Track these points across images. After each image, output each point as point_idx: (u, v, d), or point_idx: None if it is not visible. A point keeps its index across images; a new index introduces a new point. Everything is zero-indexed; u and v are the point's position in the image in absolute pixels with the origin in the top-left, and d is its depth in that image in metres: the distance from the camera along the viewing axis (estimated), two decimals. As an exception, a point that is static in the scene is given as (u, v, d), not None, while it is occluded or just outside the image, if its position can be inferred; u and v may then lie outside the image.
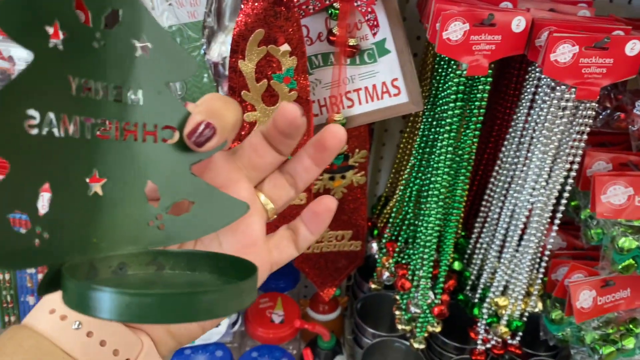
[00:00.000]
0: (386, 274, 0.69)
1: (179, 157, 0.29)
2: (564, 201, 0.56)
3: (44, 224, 0.23)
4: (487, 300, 0.64)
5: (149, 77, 0.27)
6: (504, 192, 0.63)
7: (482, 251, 0.67)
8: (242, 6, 0.48)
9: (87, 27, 0.24)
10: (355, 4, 0.52)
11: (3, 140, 0.21)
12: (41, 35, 0.23)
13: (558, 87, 0.51)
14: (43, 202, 0.23)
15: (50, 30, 0.23)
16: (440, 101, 0.56)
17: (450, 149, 0.57)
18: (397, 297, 0.70)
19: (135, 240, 0.28)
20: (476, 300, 0.67)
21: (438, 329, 0.67)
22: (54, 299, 0.30)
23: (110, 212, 0.27)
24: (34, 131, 0.22)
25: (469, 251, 0.70)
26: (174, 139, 0.28)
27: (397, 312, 0.69)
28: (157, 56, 0.27)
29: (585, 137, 0.53)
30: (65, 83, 0.24)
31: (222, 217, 0.30)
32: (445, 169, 0.58)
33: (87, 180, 0.25)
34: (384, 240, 0.71)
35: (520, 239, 0.61)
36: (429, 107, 0.60)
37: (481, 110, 0.55)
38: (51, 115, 0.23)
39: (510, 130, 0.61)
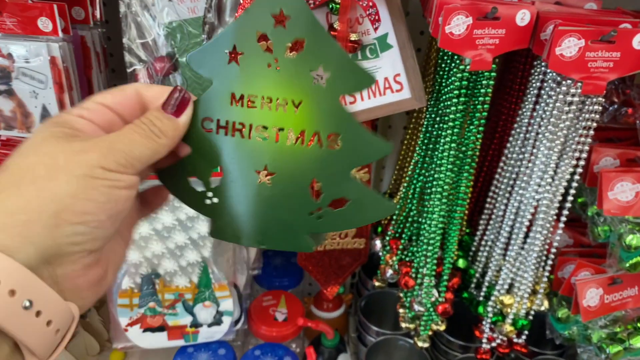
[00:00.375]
0: (390, 272, 0.69)
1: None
2: (570, 198, 0.56)
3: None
4: (492, 298, 0.64)
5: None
6: (509, 188, 0.62)
7: (487, 248, 0.66)
8: (241, 1, 0.47)
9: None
10: (357, -2, 0.51)
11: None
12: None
13: (564, 82, 0.50)
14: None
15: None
16: (444, 97, 0.55)
17: (454, 145, 0.56)
18: (401, 294, 0.69)
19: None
20: (481, 299, 0.67)
21: (442, 327, 0.66)
22: None
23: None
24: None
25: (473, 248, 0.69)
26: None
27: (401, 310, 0.69)
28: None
29: (591, 132, 0.52)
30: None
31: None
32: (449, 166, 0.57)
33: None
34: (387, 238, 0.70)
35: (526, 236, 0.60)
36: (432, 102, 0.59)
37: (485, 106, 0.55)
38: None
39: (515, 125, 0.60)
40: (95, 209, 0.28)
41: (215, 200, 0.35)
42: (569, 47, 0.46)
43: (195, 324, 0.74)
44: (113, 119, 0.32)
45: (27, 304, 0.25)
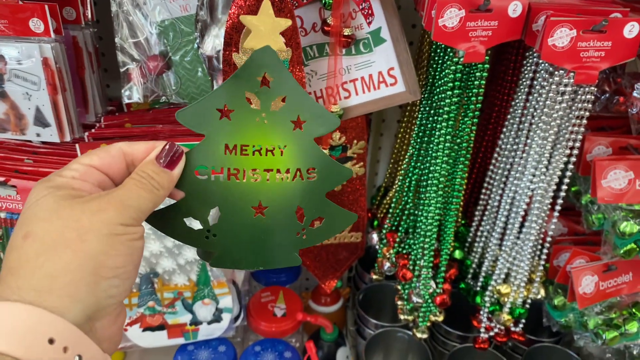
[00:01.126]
0: (387, 265, 0.69)
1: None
2: (564, 187, 0.56)
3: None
4: (489, 288, 0.64)
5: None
6: (503, 179, 0.63)
7: (483, 239, 0.67)
8: (235, -2, 0.47)
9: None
10: (349, -7, 0.51)
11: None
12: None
13: (556, 72, 0.50)
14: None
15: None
16: (438, 89, 0.56)
17: (448, 137, 0.56)
18: (399, 287, 0.70)
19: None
20: (478, 289, 0.67)
21: (440, 318, 0.67)
22: (48, 327, 0.27)
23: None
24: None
25: (469, 239, 0.70)
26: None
27: (399, 302, 0.69)
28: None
29: (584, 121, 0.53)
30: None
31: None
32: (444, 158, 0.58)
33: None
34: (384, 231, 0.70)
35: (521, 226, 0.60)
36: (426, 95, 0.60)
37: (479, 98, 0.55)
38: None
39: (509, 116, 0.60)
40: (124, 262, 0.31)
41: (214, 235, 0.39)
42: (561, 37, 0.47)
43: (195, 322, 0.74)
44: (101, 177, 0.34)
45: (77, 359, 0.29)
